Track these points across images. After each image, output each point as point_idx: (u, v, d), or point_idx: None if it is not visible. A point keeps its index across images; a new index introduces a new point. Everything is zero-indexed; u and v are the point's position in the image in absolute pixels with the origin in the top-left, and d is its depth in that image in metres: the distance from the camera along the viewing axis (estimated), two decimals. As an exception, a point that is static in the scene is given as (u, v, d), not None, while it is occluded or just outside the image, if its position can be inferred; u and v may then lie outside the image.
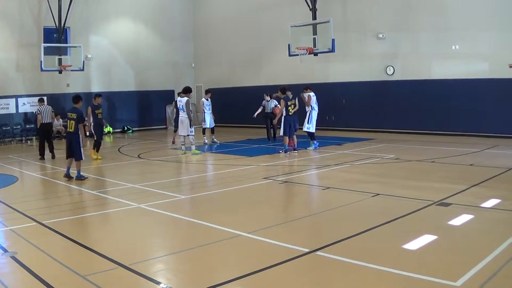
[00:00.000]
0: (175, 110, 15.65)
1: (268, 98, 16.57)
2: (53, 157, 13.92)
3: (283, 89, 13.57)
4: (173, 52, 25.38)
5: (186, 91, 13.91)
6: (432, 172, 10.06)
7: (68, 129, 10.17)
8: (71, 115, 10.07)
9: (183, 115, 13.75)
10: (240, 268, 4.81)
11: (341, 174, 10.45)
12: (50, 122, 14.42)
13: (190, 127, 13.71)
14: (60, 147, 14.07)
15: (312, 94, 14.01)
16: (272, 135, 16.78)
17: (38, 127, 14.36)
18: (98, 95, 13.92)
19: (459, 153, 12.50)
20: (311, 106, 13.85)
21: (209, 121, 16.51)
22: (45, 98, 15.97)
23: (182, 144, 14.15)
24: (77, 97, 10.35)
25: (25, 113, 20.16)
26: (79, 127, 10.00)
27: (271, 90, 17.26)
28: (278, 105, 14.60)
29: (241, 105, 21.52)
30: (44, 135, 14.18)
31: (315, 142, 13.98)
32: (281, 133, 13.44)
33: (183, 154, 13.80)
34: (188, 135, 13.85)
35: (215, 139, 16.87)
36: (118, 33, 23.43)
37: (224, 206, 7.77)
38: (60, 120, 19.41)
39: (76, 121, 9.96)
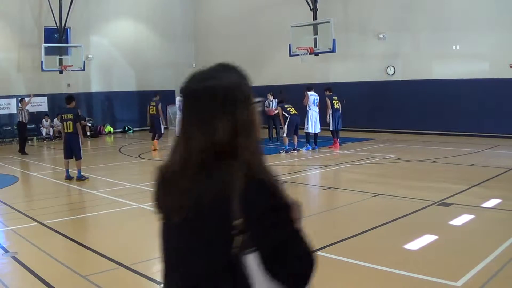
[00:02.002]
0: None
1: (271, 97, 16.55)
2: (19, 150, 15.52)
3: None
4: (173, 52, 25.37)
5: None
6: (432, 172, 10.06)
7: (66, 130, 10.14)
8: (67, 116, 10.04)
9: None
10: (241, 268, 4.81)
11: (342, 174, 10.45)
12: (20, 121, 15.79)
13: None
14: (61, 147, 14.07)
15: (310, 93, 13.94)
16: (274, 135, 16.77)
17: None
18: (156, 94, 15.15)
19: (459, 153, 12.49)
20: (308, 106, 13.79)
21: None
22: (25, 98, 16.66)
23: None
24: (70, 98, 10.41)
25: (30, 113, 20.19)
26: (77, 126, 10.02)
27: (272, 90, 17.25)
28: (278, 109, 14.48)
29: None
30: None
31: (308, 145, 13.92)
32: (284, 134, 13.38)
33: None
34: None
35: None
36: (119, 33, 23.44)
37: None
38: (55, 120, 19.49)
39: (74, 121, 9.97)
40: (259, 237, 1.30)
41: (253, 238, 1.30)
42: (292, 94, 15.66)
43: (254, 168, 1.33)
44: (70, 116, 10.01)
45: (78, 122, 10.11)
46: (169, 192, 1.40)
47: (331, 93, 14.39)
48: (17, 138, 19.57)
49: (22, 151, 15.40)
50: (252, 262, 1.29)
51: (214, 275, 1.32)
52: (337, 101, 14.39)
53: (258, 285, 1.28)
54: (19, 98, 16.46)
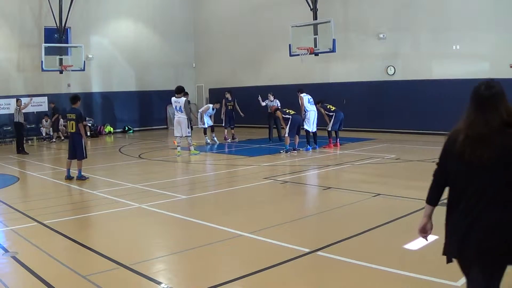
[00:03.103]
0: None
1: (272, 98, 16.57)
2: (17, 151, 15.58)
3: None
4: (173, 52, 25.38)
5: (181, 90, 13.73)
6: (433, 172, 10.03)
7: (69, 130, 10.19)
8: (70, 116, 10.10)
9: (181, 116, 13.56)
10: (241, 268, 4.81)
11: (341, 174, 10.45)
12: (16, 122, 15.88)
13: (189, 127, 13.64)
14: (63, 147, 14.11)
15: (303, 95, 13.98)
16: (274, 135, 16.77)
17: None
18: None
19: (459, 153, 12.45)
20: (304, 107, 13.80)
21: (207, 121, 16.53)
22: (22, 98, 16.76)
23: (178, 145, 13.91)
24: (75, 97, 10.42)
25: (26, 113, 20.14)
26: (79, 126, 10.03)
27: (272, 90, 17.25)
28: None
29: (242, 105, 21.50)
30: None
31: (309, 146, 13.91)
32: (286, 133, 13.35)
33: (178, 155, 13.58)
34: (186, 136, 13.72)
35: (214, 138, 16.88)
36: (119, 33, 23.45)
37: (225, 206, 7.78)
38: (61, 120, 19.47)
39: (76, 121, 9.99)
40: None
41: None
42: (292, 95, 15.60)
43: None
44: (73, 116, 10.03)
45: (81, 122, 10.12)
46: (481, 145, 2.57)
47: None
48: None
49: (22, 151, 15.38)
50: None
51: (504, 189, 2.54)
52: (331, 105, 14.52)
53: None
54: (16, 99, 16.46)
